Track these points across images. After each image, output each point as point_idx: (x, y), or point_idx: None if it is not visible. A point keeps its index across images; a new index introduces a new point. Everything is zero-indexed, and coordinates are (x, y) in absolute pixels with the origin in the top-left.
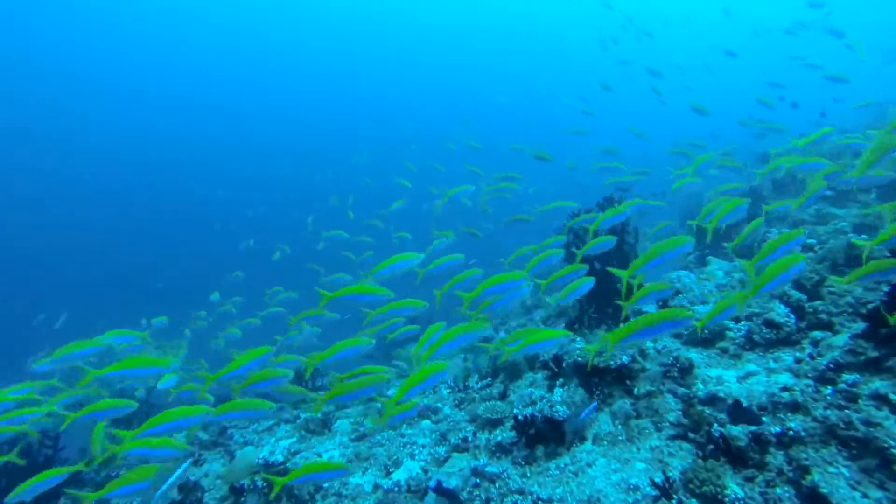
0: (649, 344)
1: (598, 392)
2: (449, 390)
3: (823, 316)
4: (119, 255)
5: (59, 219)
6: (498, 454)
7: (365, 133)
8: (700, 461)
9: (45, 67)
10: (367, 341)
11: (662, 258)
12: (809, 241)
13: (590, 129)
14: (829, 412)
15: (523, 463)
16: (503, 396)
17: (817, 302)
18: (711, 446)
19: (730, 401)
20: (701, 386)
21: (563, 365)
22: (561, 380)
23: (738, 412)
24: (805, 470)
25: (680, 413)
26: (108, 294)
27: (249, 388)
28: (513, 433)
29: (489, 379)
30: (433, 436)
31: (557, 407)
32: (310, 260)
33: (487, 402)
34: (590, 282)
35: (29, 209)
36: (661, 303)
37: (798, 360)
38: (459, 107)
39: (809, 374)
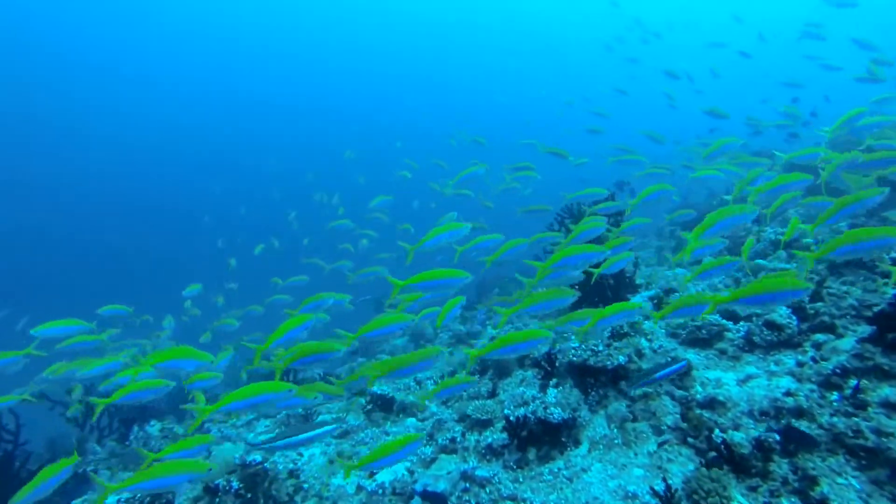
0: (644, 343)
1: (593, 393)
2: (434, 385)
3: (826, 318)
4: (112, 248)
5: (46, 212)
6: (488, 457)
7: (366, 130)
8: (704, 470)
9: (43, 56)
10: (409, 317)
11: (728, 222)
12: (807, 240)
13: (601, 128)
14: (836, 419)
15: (515, 467)
16: (492, 395)
17: (819, 303)
18: (712, 453)
19: (741, 406)
20: (699, 388)
21: (557, 364)
22: (554, 380)
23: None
24: (812, 480)
25: (678, 416)
26: (98, 288)
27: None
28: (504, 435)
29: (477, 376)
30: (420, 434)
31: (552, 409)
32: (298, 254)
33: (476, 402)
34: (630, 257)
35: (23, 201)
36: (656, 301)
37: (800, 364)
38: (458, 106)
39: (813, 379)
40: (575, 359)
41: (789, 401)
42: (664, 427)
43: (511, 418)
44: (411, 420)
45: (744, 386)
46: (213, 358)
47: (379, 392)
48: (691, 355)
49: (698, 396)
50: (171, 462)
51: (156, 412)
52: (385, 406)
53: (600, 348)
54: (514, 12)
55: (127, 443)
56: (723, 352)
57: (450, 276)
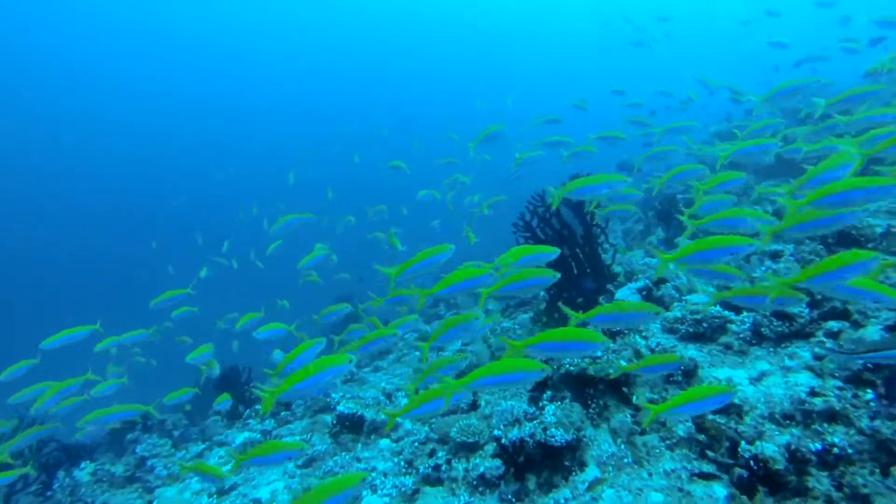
0: (640, 341)
1: (593, 405)
2: (408, 399)
3: (837, 303)
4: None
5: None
6: (481, 489)
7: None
8: (745, 499)
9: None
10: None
11: None
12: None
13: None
14: (878, 423)
15: (514, 500)
16: (473, 408)
17: None
18: (740, 470)
19: (760, 409)
20: None
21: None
22: (549, 392)
23: None
24: (866, 501)
25: (691, 426)
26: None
27: None
28: (497, 462)
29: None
30: (396, 460)
31: (553, 430)
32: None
33: (460, 421)
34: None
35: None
36: (644, 292)
37: (818, 357)
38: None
39: (837, 374)
40: (572, 368)
41: (817, 401)
42: (677, 439)
43: (504, 442)
44: (385, 441)
45: (758, 385)
46: (352, 357)
47: (346, 411)
48: (692, 352)
49: None
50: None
51: (86, 451)
52: (354, 426)
53: (598, 353)
54: (519, 13)
55: (49, 493)
56: (728, 346)
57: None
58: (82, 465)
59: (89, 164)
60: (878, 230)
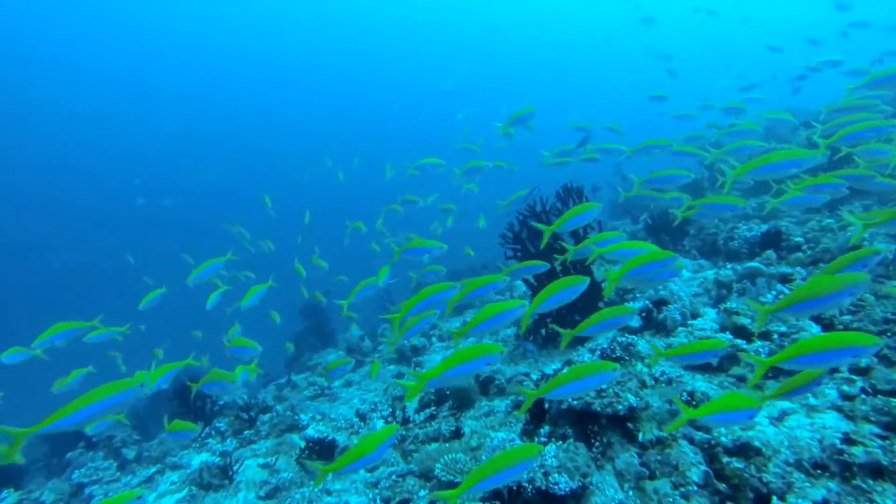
0: (643, 369)
1: (596, 443)
2: (384, 422)
3: None
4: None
5: None
6: None
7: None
8: None
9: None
10: None
11: None
12: (796, 238)
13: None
14: None
15: None
16: (457, 435)
17: (846, 317)
18: None
19: (784, 454)
20: (723, 429)
21: (547, 405)
22: (546, 427)
23: None
24: None
25: (705, 469)
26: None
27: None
28: None
29: (433, 407)
30: (370, 495)
31: (555, 475)
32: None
33: (446, 455)
34: None
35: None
36: (644, 314)
37: (847, 397)
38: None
39: (872, 418)
40: (575, 402)
41: (858, 451)
42: (692, 486)
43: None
44: (359, 472)
45: (780, 426)
46: (502, 348)
47: (316, 435)
48: (701, 383)
49: (724, 440)
50: None
51: (13, 475)
52: (324, 452)
53: (603, 385)
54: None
55: None
56: (741, 378)
57: None
58: (3, 493)
59: (87, 162)
60: (890, 255)
